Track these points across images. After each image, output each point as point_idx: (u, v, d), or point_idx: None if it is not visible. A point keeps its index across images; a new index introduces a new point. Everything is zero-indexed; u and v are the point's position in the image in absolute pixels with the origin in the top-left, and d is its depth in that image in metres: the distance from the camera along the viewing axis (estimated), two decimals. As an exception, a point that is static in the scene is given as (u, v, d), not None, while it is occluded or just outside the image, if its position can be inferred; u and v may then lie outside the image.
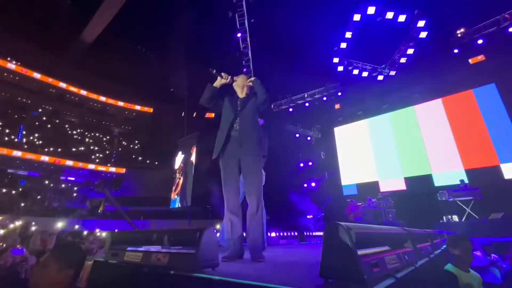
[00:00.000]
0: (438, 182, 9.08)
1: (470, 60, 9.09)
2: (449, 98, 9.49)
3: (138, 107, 30.09)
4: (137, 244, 1.53)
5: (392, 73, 10.19)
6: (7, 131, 21.08)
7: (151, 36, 23.80)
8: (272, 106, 12.77)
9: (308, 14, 10.36)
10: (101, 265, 1.60)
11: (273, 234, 4.33)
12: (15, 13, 20.20)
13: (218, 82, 2.40)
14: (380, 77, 10.41)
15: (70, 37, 23.02)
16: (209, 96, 2.35)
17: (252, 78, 2.42)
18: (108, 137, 28.01)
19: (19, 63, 23.24)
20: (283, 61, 10.65)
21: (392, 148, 10.51)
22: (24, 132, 22.33)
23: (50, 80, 25.08)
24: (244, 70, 11.01)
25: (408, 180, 9.86)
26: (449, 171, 8.92)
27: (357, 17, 9.15)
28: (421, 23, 8.93)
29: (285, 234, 4.62)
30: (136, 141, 28.90)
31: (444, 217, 7.21)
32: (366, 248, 1.08)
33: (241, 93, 2.45)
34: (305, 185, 12.96)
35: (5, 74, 23.01)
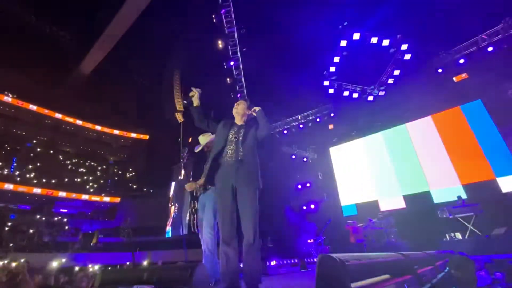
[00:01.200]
0: (437, 199, 9.00)
1: (454, 78, 9.46)
2: (438, 115, 9.73)
3: (134, 135, 30.21)
4: (127, 284, 1.46)
5: (382, 93, 10.53)
6: (0, 164, 20.80)
7: (146, 66, 24.56)
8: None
9: (298, 40, 10.89)
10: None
11: (273, 263, 4.16)
12: (13, 47, 20.84)
13: (195, 100, 2.46)
14: (370, 98, 10.73)
15: (68, 69, 23.66)
16: (197, 117, 2.41)
17: (257, 108, 2.41)
18: (103, 166, 27.73)
19: (15, 96, 23.56)
20: (276, 84, 10.99)
21: (389, 166, 10.53)
22: (16, 165, 22.02)
23: (46, 111, 25.33)
24: (238, 95, 11.28)
25: (407, 198, 9.77)
26: (447, 187, 8.89)
27: (343, 42, 9.62)
28: (404, 46, 9.41)
29: (285, 262, 4.44)
30: (131, 169, 28.62)
31: (447, 235, 7.06)
32: (364, 279, 1.05)
33: (239, 120, 2.46)
34: (304, 207, 12.73)
35: (1, 107, 23.22)
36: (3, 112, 23.35)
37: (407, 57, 9.41)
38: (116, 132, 29.31)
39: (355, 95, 10.78)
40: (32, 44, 21.90)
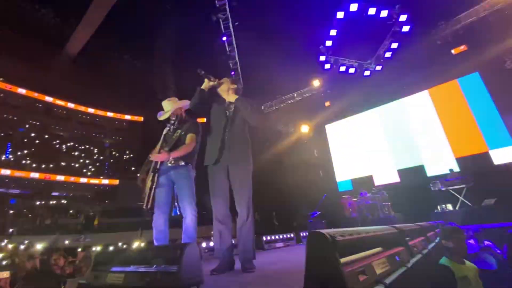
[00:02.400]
0: (430, 172, 9.18)
1: (453, 51, 9.24)
2: (435, 89, 9.64)
3: (128, 117, 29.74)
4: (119, 264, 1.46)
5: (378, 68, 10.30)
6: (-6, 150, 20.56)
7: (136, 45, 23.54)
8: (262, 107, 12.74)
9: (293, 13, 10.42)
10: (84, 288, 1.52)
11: (269, 238, 4.28)
12: (-5, 28, 19.76)
13: (206, 84, 2.34)
14: (367, 73, 10.52)
15: (54, 50, 22.60)
16: (199, 100, 2.30)
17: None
18: (99, 149, 27.59)
19: (2, 79, 22.72)
20: (270, 62, 10.65)
21: (384, 141, 10.60)
22: (11, 150, 21.79)
23: (36, 94, 24.60)
24: (232, 73, 10.97)
25: (401, 172, 9.95)
26: (440, 160, 9.03)
27: (340, 14, 9.21)
28: (403, 17, 9.05)
29: (281, 236, 4.57)
30: (128, 151, 28.53)
31: (438, 207, 7.28)
32: (356, 253, 1.04)
33: (227, 97, 2.38)
34: (301, 185, 12.93)
35: (-12, 91, 22.49)
36: (-9, 97, 22.66)
37: (406, 28, 9.09)
38: (110, 114, 28.81)
39: (351, 70, 10.54)
40: (15, 23, 20.71)
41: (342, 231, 0.91)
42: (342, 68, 10.58)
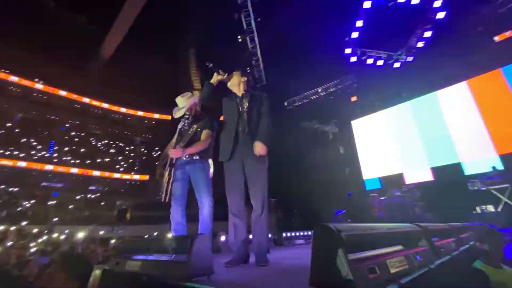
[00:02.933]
0: (469, 170, 8.46)
1: (496, 38, 8.38)
2: (475, 80, 8.83)
3: (157, 115, 31.09)
4: (138, 253, 1.53)
5: (410, 59, 9.66)
6: (39, 147, 22.62)
7: (163, 45, 24.52)
8: (285, 103, 12.60)
9: (316, 5, 10.11)
10: (107, 274, 1.61)
11: (289, 234, 4.22)
12: (39, 35, 21.59)
13: (215, 78, 2.34)
14: (397, 64, 9.91)
15: (90, 54, 24.31)
16: (208, 94, 2.32)
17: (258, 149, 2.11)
18: (131, 146, 29.21)
19: (45, 83, 24.87)
20: (293, 57, 10.49)
21: (416, 137, 9.95)
22: (54, 147, 23.84)
23: (74, 96, 26.62)
24: (255, 70, 10.96)
25: (435, 170, 9.28)
26: (480, 158, 8.28)
27: (367, 4, 8.77)
28: (437, 3, 8.37)
29: (302, 233, 4.49)
30: (157, 148, 29.85)
31: (477, 208, 6.69)
32: (370, 250, 0.98)
33: (238, 91, 2.35)
34: (326, 181, 12.63)
35: (34, 94, 24.75)
36: (37, 99, 24.91)
37: (441, 15, 8.40)
38: (140, 113, 30.34)
39: (380, 62, 10.01)
40: (53, 30, 22.53)
41: (353, 226, 0.86)
42: (370, 61, 10.09)
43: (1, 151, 19.99)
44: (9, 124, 22.55)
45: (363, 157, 11.61)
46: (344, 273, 0.70)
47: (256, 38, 10.42)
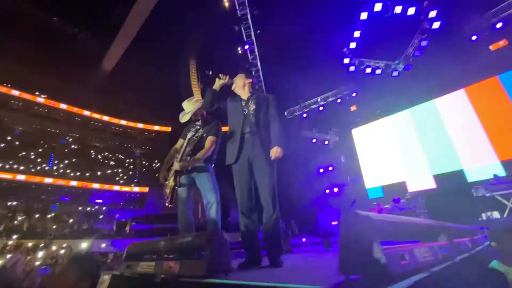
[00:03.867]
0: (471, 177, 8.44)
1: (491, 47, 8.57)
2: (473, 88, 8.96)
3: (157, 127, 31.14)
4: (149, 255, 1.50)
5: (407, 67, 9.83)
6: (39, 160, 22.51)
7: (163, 58, 24.92)
8: (285, 113, 12.68)
9: (314, 17, 10.37)
10: (117, 279, 1.57)
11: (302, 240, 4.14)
12: (40, 49, 21.94)
13: (217, 83, 2.36)
14: (395, 73, 10.08)
15: (91, 68, 24.63)
16: (210, 100, 2.33)
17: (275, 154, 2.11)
18: (130, 159, 29.11)
19: (46, 96, 25.04)
20: (293, 67, 10.65)
21: (417, 145, 9.99)
22: (54, 160, 23.73)
23: (75, 109, 26.73)
24: (255, 80, 11.10)
25: (438, 177, 9.26)
26: (483, 164, 8.28)
27: (364, 15, 9.00)
28: (432, 14, 8.61)
29: (308, 240, 4.40)
30: (156, 160, 29.74)
31: (483, 214, 6.62)
32: (392, 242, 0.96)
33: (243, 94, 2.36)
34: (327, 190, 12.54)
35: (35, 107, 24.87)
36: (38, 113, 25.01)
37: (436, 25, 8.62)
38: (140, 125, 30.42)
39: (378, 71, 10.17)
40: (56, 45, 22.92)
41: (381, 215, 0.85)
42: (368, 70, 10.26)
43: (1, 165, 19.86)
44: (9, 138, 22.52)
45: (365, 166, 11.59)
46: (377, 258, 0.69)
47: (256, 50, 10.62)
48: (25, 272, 2.93)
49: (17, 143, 22.65)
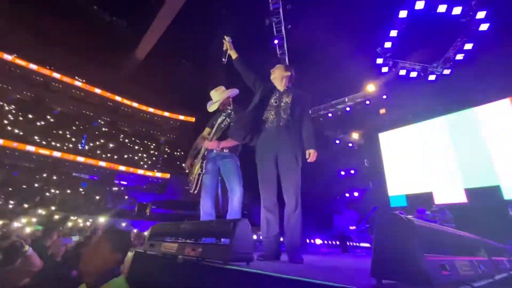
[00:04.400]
0: (509, 195, 7.77)
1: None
2: (520, 97, 8.18)
3: (182, 117, 32.10)
4: (173, 236, 1.54)
5: (447, 71, 9.18)
6: (73, 139, 24.14)
7: (192, 49, 25.48)
8: (309, 111, 12.44)
9: (348, 14, 9.98)
10: (140, 256, 1.63)
11: (318, 241, 4.08)
12: (81, 35, 23.31)
13: (232, 53, 2.43)
14: (432, 77, 9.46)
15: (125, 55, 25.83)
16: (241, 69, 2.39)
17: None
18: (155, 145, 30.31)
19: (84, 81, 26.69)
20: (321, 64, 10.37)
21: (449, 155, 9.34)
22: (86, 140, 25.34)
23: (108, 94, 28.28)
24: (293, 74, 10.95)
25: (470, 191, 8.62)
26: (524, 182, 7.59)
27: (403, 13, 8.50)
28: (481, 14, 7.92)
29: (325, 242, 4.32)
30: (179, 149, 30.70)
31: (518, 236, 6.09)
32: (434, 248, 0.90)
33: (280, 86, 2.33)
34: (347, 194, 12.21)
35: (73, 90, 26.62)
36: (75, 95, 26.79)
37: (484, 27, 7.93)
38: (166, 114, 31.52)
39: (413, 74, 9.61)
40: (95, 32, 24.25)
41: (421, 221, 0.79)
42: (402, 72, 9.72)
43: (41, 141, 21.56)
44: (48, 117, 24.33)
45: (389, 172, 11.08)
46: (417, 265, 0.64)
47: (285, 45, 10.46)
48: (52, 242, 3.16)
49: (54, 122, 24.43)
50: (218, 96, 2.69)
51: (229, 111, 2.59)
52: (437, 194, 9.39)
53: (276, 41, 10.40)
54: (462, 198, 8.74)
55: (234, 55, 2.42)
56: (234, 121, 2.41)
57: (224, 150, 2.46)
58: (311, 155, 2.05)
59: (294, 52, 10.72)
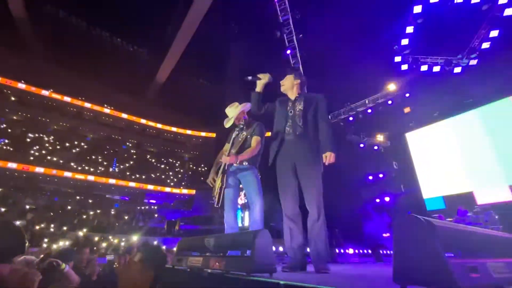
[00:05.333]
0: (562, 189, 6.99)
1: None
2: (562, 81, 7.49)
3: (203, 134, 33.03)
4: (198, 250, 1.58)
5: (473, 62, 8.67)
6: (105, 163, 25.66)
7: (209, 68, 26.66)
8: (329, 116, 12.25)
9: (360, 14, 9.89)
10: (169, 271, 1.68)
11: (350, 251, 3.92)
12: (106, 65, 25.34)
13: (259, 85, 2.39)
14: (458, 69, 8.97)
15: (147, 80, 27.55)
16: (255, 102, 2.37)
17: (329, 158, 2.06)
18: (180, 162, 31.31)
19: (112, 108, 28.65)
20: (337, 68, 10.27)
21: (488, 150, 8.66)
22: (117, 163, 26.83)
23: (134, 118, 30.00)
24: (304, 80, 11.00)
25: (515, 188, 7.88)
26: None
27: (417, 8, 8.27)
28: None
29: (356, 251, 4.12)
30: (203, 164, 31.39)
31: None
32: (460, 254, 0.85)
33: (291, 94, 2.36)
34: (378, 200, 11.63)
35: (103, 117, 28.56)
36: (105, 121, 28.71)
37: (509, 11, 7.47)
38: (189, 132, 32.61)
39: (436, 68, 9.18)
40: (120, 62, 26.31)
41: (443, 221, 0.76)
42: (424, 68, 9.34)
43: (77, 167, 23.19)
44: (82, 144, 26.21)
45: (421, 174, 10.46)
46: (442, 268, 0.61)
47: (298, 54, 10.54)
48: (87, 261, 3.34)
49: (87, 147, 26.25)
50: (232, 112, 2.77)
51: (241, 126, 2.65)
52: (478, 193, 8.68)
53: (288, 51, 10.54)
54: (508, 196, 7.99)
55: (259, 88, 2.39)
56: None
57: (244, 163, 2.50)
58: (328, 157, 1.99)
59: (308, 59, 10.76)
